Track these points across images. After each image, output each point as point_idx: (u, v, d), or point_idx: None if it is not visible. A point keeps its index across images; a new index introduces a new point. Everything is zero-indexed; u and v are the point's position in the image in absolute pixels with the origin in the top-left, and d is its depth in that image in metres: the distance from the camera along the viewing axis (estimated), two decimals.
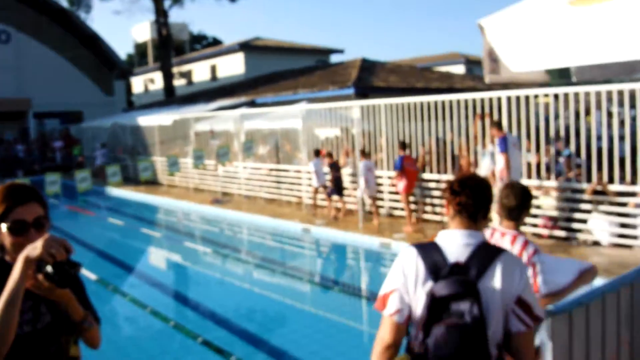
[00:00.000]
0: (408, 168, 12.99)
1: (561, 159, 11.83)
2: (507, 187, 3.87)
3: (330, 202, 15.03)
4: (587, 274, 3.74)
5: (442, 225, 12.75)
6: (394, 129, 14.29)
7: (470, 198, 2.77)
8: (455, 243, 2.73)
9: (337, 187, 14.69)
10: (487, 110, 12.15)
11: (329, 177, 14.85)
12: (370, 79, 22.49)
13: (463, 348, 2.48)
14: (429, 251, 2.73)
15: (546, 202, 11.39)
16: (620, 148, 10.50)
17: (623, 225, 10.26)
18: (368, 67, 24.90)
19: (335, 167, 14.75)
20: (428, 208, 13.63)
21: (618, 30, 3.36)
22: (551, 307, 2.83)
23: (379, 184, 14.48)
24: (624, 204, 10.22)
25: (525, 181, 11.52)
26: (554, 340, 2.80)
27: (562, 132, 11.07)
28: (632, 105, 10.46)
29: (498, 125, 11.37)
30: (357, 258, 12.55)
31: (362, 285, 10.53)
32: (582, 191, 10.68)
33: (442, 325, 2.54)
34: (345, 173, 15.45)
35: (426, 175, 13.57)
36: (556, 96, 11.28)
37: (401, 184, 13.03)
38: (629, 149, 10.30)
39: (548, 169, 11.47)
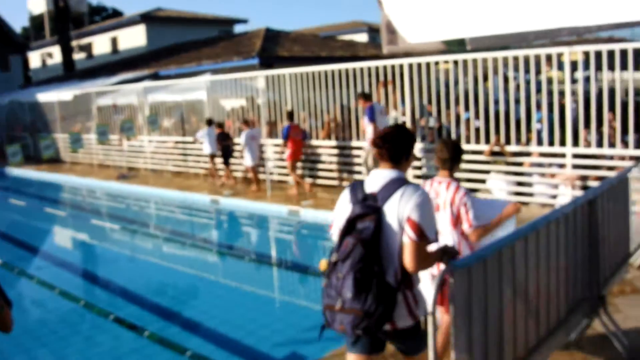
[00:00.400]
0: (294, 137, 13.41)
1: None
2: (441, 143, 4.59)
3: (229, 170, 15.61)
4: (511, 209, 4.61)
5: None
6: (299, 98, 14.40)
7: (390, 149, 3.45)
8: (375, 179, 3.45)
9: (225, 156, 15.33)
10: (389, 77, 12.43)
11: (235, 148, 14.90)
12: (274, 49, 22.45)
13: (359, 254, 3.20)
14: (356, 186, 3.52)
15: None
16: (516, 111, 10.98)
17: (519, 184, 10.80)
18: (272, 37, 24.81)
19: (223, 137, 15.31)
20: (334, 174, 13.86)
21: (511, 2, 3.55)
22: (452, 263, 3.01)
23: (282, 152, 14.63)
24: (519, 164, 10.75)
25: (428, 145, 11.92)
26: (455, 293, 2.99)
27: (462, 97, 11.46)
28: (527, 70, 10.96)
29: (364, 96, 12.08)
30: (266, 227, 12.65)
31: (272, 253, 10.66)
32: (480, 152, 11.15)
33: (348, 237, 3.27)
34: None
35: (332, 142, 13.79)
36: (456, 63, 11.65)
37: (287, 152, 13.42)
38: (524, 111, 10.82)
39: (449, 133, 11.89)
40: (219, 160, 15.95)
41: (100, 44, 44.90)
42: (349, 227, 3.32)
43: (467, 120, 11.37)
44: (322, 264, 3.47)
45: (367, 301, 3.17)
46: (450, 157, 4.53)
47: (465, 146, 11.39)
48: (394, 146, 3.46)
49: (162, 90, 18.72)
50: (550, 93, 10.33)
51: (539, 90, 10.50)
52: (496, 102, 11.13)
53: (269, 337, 6.54)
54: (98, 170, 20.40)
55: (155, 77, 23.52)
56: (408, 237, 3.23)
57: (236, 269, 9.73)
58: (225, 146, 15.36)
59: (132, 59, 32.14)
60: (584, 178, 10.01)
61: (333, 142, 13.81)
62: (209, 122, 15.83)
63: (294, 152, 13.47)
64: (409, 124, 12.25)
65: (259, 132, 14.61)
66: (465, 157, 11.38)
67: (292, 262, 10.04)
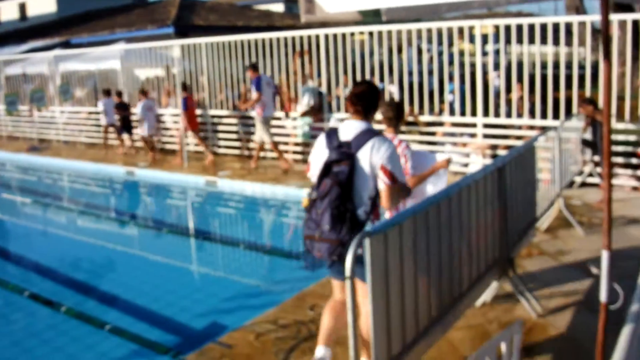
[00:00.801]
0: (192, 108, 13.69)
1: None
2: (386, 104, 5.17)
3: (122, 141, 15.93)
4: (442, 162, 5.16)
5: (242, 158, 13.06)
6: (215, 67, 14.25)
7: (364, 105, 4.02)
8: (348, 128, 3.99)
9: (126, 126, 15.57)
10: (306, 47, 12.45)
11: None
12: (190, 18, 22.07)
13: (335, 194, 3.78)
14: (331, 134, 4.04)
15: None
16: (430, 82, 11.24)
17: (432, 153, 11.08)
18: (188, 5, 24.33)
19: (122, 107, 15.42)
20: (252, 145, 13.84)
21: None
22: (368, 229, 3.09)
23: (202, 123, 14.52)
24: (432, 133, 11.04)
25: (343, 115, 12.05)
26: (372, 258, 3.08)
27: (377, 68, 11.63)
28: (440, 43, 11.20)
29: (253, 67, 12.31)
30: (183, 198, 12.54)
31: (189, 224, 10.59)
32: None
33: (326, 178, 3.84)
34: (168, 113, 15.30)
35: (247, 113, 13.73)
36: (371, 34, 11.79)
37: (184, 123, 13.56)
38: (437, 82, 11.09)
39: None
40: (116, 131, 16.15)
41: (8, 10, 42.61)
42: (326, 170, 3.87)
43: (382, 91, 11.56)
44: (304, 202, 4.02)
45: (341, 232, 3.77)
46: (394, 115, 5.15)
47: (379, 116, 11.57)
48: (367, 102, 4.02)
49: (74, 59, 18.12)
50: (462, 65, 10.61)
51: (451, 62, 10.76)
52: (410, 74, 11.34)
53: (189, 308, 6.53)
54: (7, 143, 19.62)
55: (67, 45, 22.72)
56: (383, 183, 3.84)
57: (153, 241, 9.63)
58: (124, 116, 15.49)
59: (42, 26, 30.83)
60: (494, 147, 10.39)
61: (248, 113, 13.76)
62: (107, 93, 15.91)
63: (194, 122, 13.80)
64: (324, 94, 12.35)
65: (154, 103, 15.00)
66: (379, 126, 11.61)
67: (211, 232, 10.01)
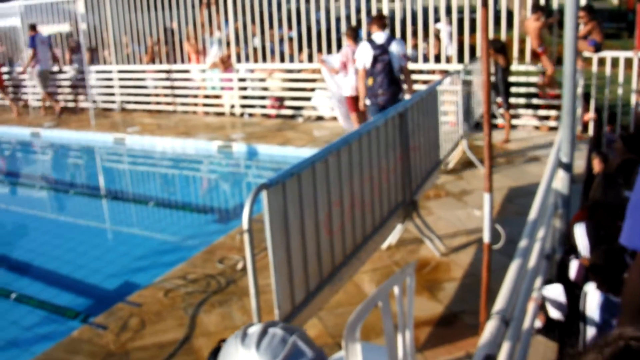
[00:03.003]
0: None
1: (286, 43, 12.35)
2: (351, 28, 9.23)
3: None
4: None
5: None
6: (120, 21, 13.77)
7: (383, 21, 7.72)
8: (379, 37, 7.55)
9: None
10: None
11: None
12: None
13: (386, 70, 7.51)
14: (371, 41, 7.56)
15: (273, 84, 11.92)
16: (339, 30, 11.22)
17: None
18: None
19: None
20: (159, 99, 13.54)
21: None
22: (265, 181, 3.08)
23: (109, 79, 14.09)
24: None
25: (252, 65, 11.92)
26: (270, 210, 3.08)
27: (285, 17, 11.51)
28: None
29: (31, 27, 13.88)
30: (92, 157, 12.19)
31: (99, 184, 10.33)
32: (304, 70, 11.33)
33: (377, 64, 7.51)
34: (72, 69, 14.73)
35: (156, 67, 13.41)
36: None
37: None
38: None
39: (273, 52, 11.94)
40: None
41: None
42: (374, 60, 7.49)
43: (290, 40, 11.47)
44: (369, 81, 7.56)
45: (391, 89, 7.53)
46: (352, 34, 9.02)
47: (289, 65, 11.50)
48: (384, 21, 7.68)
49: None
50: (369, 13, 10.61)
51: (359, 10, 10.78)
52: (318, 22, 11.29)
53: (100, 269, 6.41)
54: None
55: None
56: (405, 63, 7.75)
57: (62, 203, 9.36)
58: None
59: None
60: None
61: (157, 67, 13.42)
62: None
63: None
64: (232, 45, 12.14)
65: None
66: (290, 75, 11.57)
67: (120, 191, 9.80)
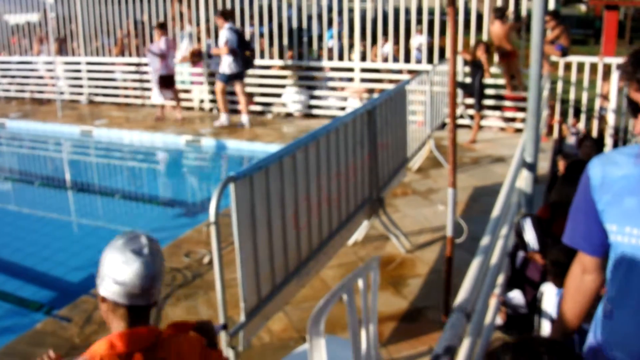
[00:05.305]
0: None
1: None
2: None
3: None
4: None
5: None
6: (89, 13, 13.62)
7: None
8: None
9: None
10: None
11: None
12: None
13: None
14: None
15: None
16: (310, 28, 11.26)
17: (313, 97, 11.17)
18: None
19: None
20: (128, 92, 13.43)
21: None
22: (232, 174, 3.10)
23: (77, 71, 13.93)
24: (312, 78, 11.11)
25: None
26: (237, 203, 3.09)
27: (257, 13, 11.50)
28: None
29: None
30: (58, 149, 12.04)
31: (65, 176, 10.21)
32: (275, 67, 11.34)
33: None
34: (40, 61, 14.50)
35: (126, 59, 13.30)
36: None
37: None
38: (318, 28, 11.12)
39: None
40: None
41: None
42: None
43: (261, 35, 11.48)
44: None
45: None
46: None
47: (259, 61, 11.49)
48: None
49: None
50: (340, 12, 10.66)
51: (330, 9, 10.82)
52: (290, 19, 11.30)
53: (65, 261, 6.36)
54: None
55: None
56: None
57: (27, 196, 9.23)
58: None
59: None
60: (370, 91, 10.58)
61: (126, 59, 13.30)
62: None
63: None
64: (203, 39, 12.08)
65: None
66: (260, 72, 11.56)
67: (87, 183, 9.71)
